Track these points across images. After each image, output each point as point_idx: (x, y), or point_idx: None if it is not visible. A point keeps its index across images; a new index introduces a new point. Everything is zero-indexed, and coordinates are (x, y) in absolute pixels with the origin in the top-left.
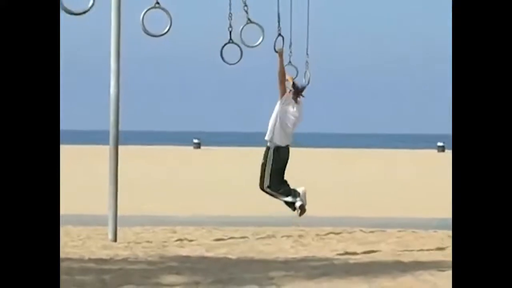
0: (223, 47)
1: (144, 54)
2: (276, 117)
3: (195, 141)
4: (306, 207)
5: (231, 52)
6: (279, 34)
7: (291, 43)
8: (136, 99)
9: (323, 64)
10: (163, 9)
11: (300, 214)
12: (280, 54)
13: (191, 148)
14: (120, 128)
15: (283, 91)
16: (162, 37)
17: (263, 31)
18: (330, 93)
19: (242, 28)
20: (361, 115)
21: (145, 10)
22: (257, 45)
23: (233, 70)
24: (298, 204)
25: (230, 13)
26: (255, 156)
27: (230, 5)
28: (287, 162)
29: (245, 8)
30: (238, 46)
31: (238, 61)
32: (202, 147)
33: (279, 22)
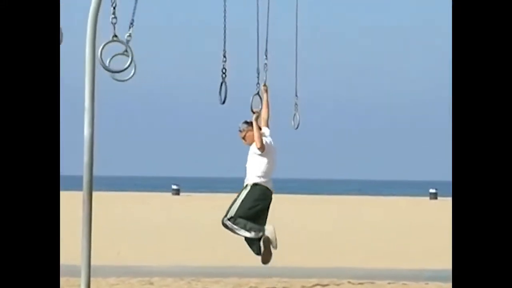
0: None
1: (119, 92)
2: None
3: (174, 187)
4: (273, 249)
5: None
6: (257, 93)
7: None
8: (111, 141)
9: (309, 107)
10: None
11: (264, 254)
12: (257, 117)
13: (169, 194)
14: (94, 172)
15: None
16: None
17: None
18: (316, 137)
19: None
20: (346, 160)
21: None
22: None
23: (214, 112)
24: (264, 234)
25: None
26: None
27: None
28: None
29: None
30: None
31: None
32: (181, 194)
33: (258, 78)
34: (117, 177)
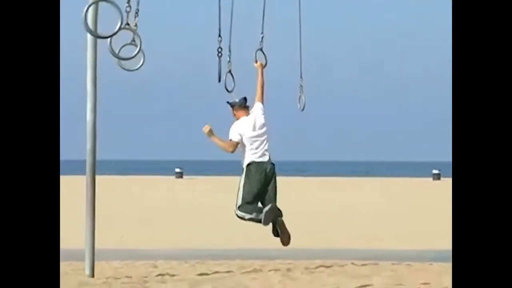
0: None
1: (122, 78)
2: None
3: (177, 170)
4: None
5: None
6: (260, 49)
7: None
8: (113, 126)
9: (317, 89)
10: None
11: (282, 237)
12: (261, 66)
13: (173, 177)
14: (97, 157)
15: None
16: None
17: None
18: (320, 119)
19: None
20: (352, 141)
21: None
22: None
23: (217, 95)
24: (265, 209)
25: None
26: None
27: (219, 29)
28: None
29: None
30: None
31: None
32: (184, 177)
33: (262, 38)
34: (121, 161)
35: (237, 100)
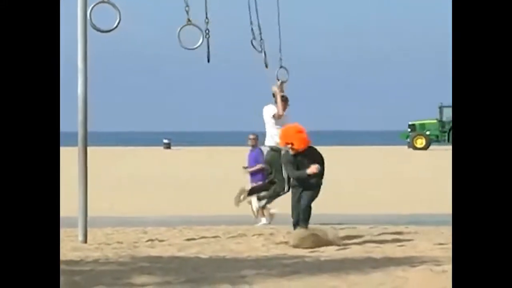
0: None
1: (111, 52)
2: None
3: (165, 141)
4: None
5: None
6: (281, 66)
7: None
8: (104, 99)
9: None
10: (112, 4)
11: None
12: (281, 83)
13: (161, 148)
14: (88, 128)
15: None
16: (112, 32)
17: (202, 33)
18: (307, 90)
19: (180, 30)
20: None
21: (92, 5)
22: (196, 48)
23: (205, 68)
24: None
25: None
26: (225, 155)
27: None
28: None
29: (186, 8)
30: (199, 28)
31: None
32: (172, 147)
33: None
34: (111, 132)
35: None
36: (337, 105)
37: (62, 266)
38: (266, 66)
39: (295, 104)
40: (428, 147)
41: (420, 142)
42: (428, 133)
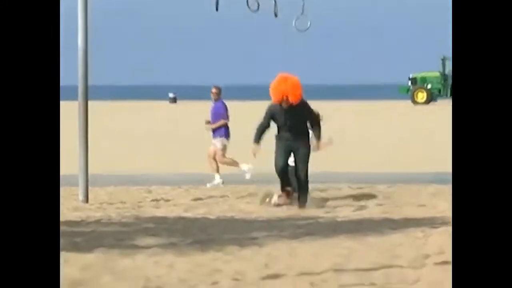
0: None
1: (113, 5)
2: None
3: (171, 95)
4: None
5: None
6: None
7: None
8: (106, 52)
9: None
10: None
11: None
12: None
13: (166, 102)
14: (89, 82)
15: None
16: None
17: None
18: (318, 43)
19: None
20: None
21: None
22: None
23: (210, 20)
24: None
25: None
26: (234, 110)
27: None
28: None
29: None
30: None
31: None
32: (178, 102)
33: None
34: (114, 86)
35: None
36: (332, 58)
37: (62, 227)
38: (276, 15)
39: (293, 58)
40: (429, 102)
41: (421, 96)
42: (429, 86)
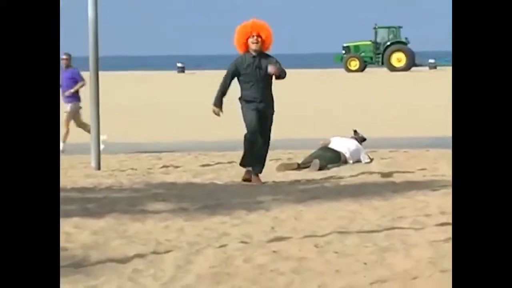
0: None
1: None
2: None
3: (179, 65)
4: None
5: None
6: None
7: None
8: (116, 23)
9: None
10: None
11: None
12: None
13: (174, 72)
14: (100, 53)
15: None
16: None
17: None
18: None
19: None
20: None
21: None
22: None
23: None
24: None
25: None
26: None
27: None
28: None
29: None
30: None
31: None
32: (186, 71)
33: None
34: (123, 56)
35: None
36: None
37: (74, 194)
38: None
39: (220, 28)
40: (363, 70)
41: (354, 64)
42: (362, 55)
